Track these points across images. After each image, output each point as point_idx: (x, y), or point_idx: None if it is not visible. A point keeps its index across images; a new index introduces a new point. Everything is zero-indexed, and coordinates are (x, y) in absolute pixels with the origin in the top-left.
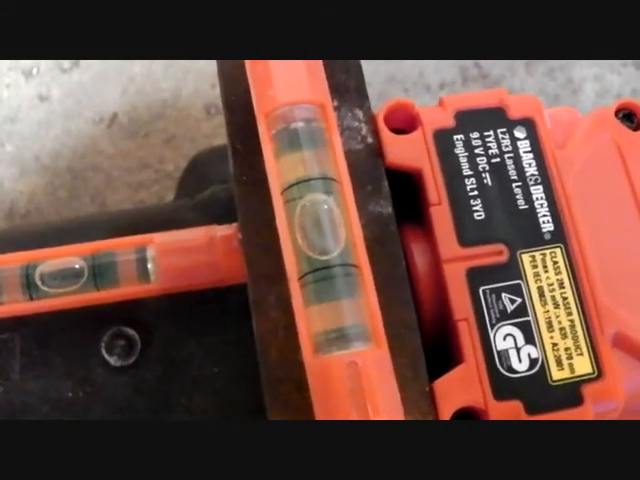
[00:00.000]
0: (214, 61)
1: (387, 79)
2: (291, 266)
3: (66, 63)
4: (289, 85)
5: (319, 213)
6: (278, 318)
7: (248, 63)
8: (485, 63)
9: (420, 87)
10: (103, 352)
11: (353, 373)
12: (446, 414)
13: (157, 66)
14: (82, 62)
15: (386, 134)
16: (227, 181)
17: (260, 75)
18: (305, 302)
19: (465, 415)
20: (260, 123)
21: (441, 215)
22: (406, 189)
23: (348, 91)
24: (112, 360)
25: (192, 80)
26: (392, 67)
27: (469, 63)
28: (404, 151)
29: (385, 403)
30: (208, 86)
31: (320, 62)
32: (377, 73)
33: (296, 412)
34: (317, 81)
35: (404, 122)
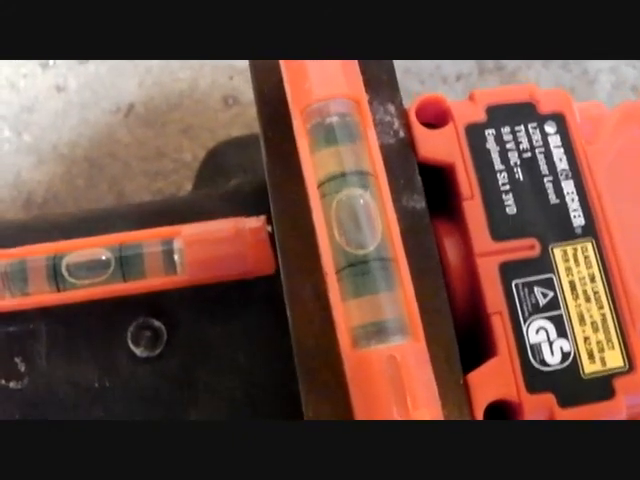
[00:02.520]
0: None
1: (404, 71)
2: (328, 260)
3: None
4: (325, 80)
5: (355, 208)
6: (314, 309)
7: None
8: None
9: (436, 79)
10: (129, 343)
11: (392, 367)
12: (480, 406)
13: None
14: None
15: (418, 128)
16: (247, 171)
17: (295, 70)
18: (343, 296)
19: (498, 408)
20: (295, 117)
21: (474, 209)
22: (435, 183)
23: (380, 86)
24: (138, 351)
25: (209, 71)
26: (409, 60)
27: None
28: (436, 145)
29: (424, 396)
30: (225, 77)
31: None
32: (394, 65)
33: (332, 400)
34: (352, 76)
35: (435, 117)
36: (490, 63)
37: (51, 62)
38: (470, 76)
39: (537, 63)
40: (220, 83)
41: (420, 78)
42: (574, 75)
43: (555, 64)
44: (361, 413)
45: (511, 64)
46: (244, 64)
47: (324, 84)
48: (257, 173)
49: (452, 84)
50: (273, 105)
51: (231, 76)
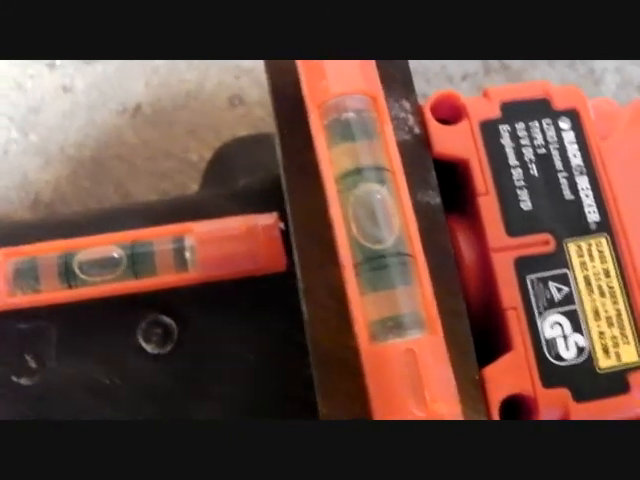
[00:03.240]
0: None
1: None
2: (346, 255)
3: None
4: (342, 76)
5: (373, 203)
6: (330, 306)
7: None
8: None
9: (442, 78)
10: (140, 340)
11: (410, 360)
12: (495, 401)
13: None
14: None
15: (433, 125)
16: (253, 171)
17: (312, 66)
18: (360, 291)
19: (513, 402)
20: (312, 113)
21: (489, 205)
22: (449, 179)
23: (395, 82)
24: (149, 348)
25: (216, 72)
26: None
27: None
28: (451, 142)
29: (442, 390)
30: (232, 78)
31: None
32: None
33: (347, 398)
34: (369, 72)
35: (450, 113)
36: (496, 63)
37: (58, 63)
38: (476, 76)
39: (543, 62)
40: (226, 83)
41: (426, 77)
42: (580, 74)
43: (561, 63)
44: (378, 407)
45: (517, 64)
46: (250, 64)
47: (341, 80)
48: (265, 172)
49: (458, 84)
50: (289, 104)
51: (237, 76)
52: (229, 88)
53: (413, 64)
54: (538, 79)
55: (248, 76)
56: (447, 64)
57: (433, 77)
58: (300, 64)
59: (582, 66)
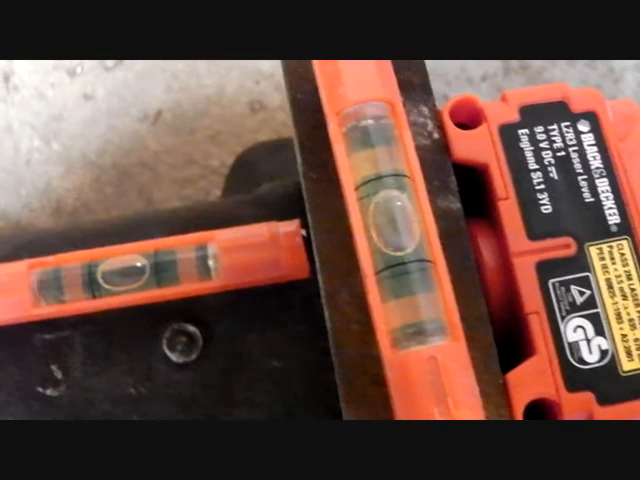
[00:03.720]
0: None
1: (429, 72)
2: (366, 263)
3: (109, 62)
4: (359, 83)
5: (393, 210)
6: (352, 313)
7: (316, 62)
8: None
9: (462, 80)
10: (165, 349)
11: (433, 368)
12: (519, 406)
13: (201, 63)
14: (126, 61)
15: (452, 129)
16: (275, 177)
17: (330, 73)
18: (382, 298)
19: (537, 407)
20: (331, 121)
21: (509, 209)
22: (468, 184)
23: (413, 87)
24: (174, 357)
25: (236, 76)
26: (434, 61)
27: None
28: (470, 146)
29: (465, 396)
30: (252, 82)
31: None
32: None
33: (372, 406)
34: (386, 78)
35: (468, 117)
36: (515, 63)
37: (78, 70)
38: (496, 76)
39: (562, 62)
40: (247, 88)
41: (446, 80)
42: (600, 73)
43: (581, 62)
44: (402, 414)
45: (536, 63)
46: (270, 69)
47: (359, 87)
48: (287, 177)
49: (478, 85)
50: (308, 112)
51: (257, 81)
52: (249, 93)
53: (432, 66)
54: (558, 79)
55: (268, 81)
56: (466, 66)
57: (453, 79)
58: (318, 72)
59: (602, 65)
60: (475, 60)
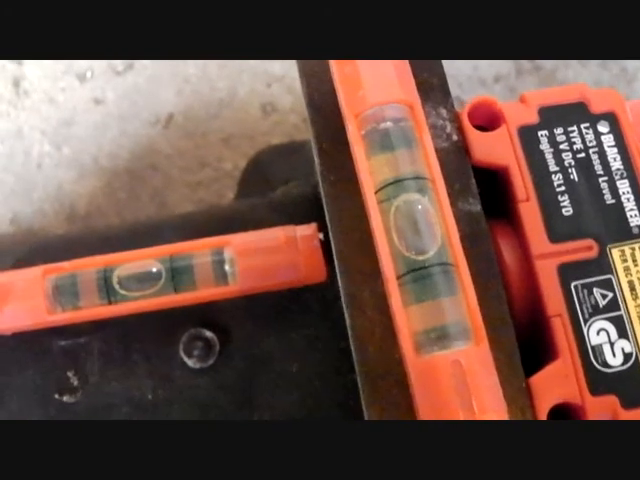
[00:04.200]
0: (269, 61)
1: None
2: (388, 266)
3: (120, 66)
4: (378, 85)
5: (414, 213)
6: (374, 316)
7: (334, 64)
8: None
9: (474, 81)
10: (182, 354)
11: (457, 372)
12: (543, 410)
13: (212, 66)
14: (136, 64)
15: (471, 132)
16: (289, 179)
17: (348, 76)
18: (404, 302)
19: (561, 411)
20: (350, 123)
21: (530, 212)
22: (487, 186)
23: (431, 89)
24: (191, 362)
25: (247, 79)
26: (446, 62)
27: None
28: (490, 148)
29: (490, 400)
30: (264, 85)
31: (406, 61)
32: None
33: (396, 408)
34: (405, 80)
35: (487, 119)
36: (528, 64)
37: (88, 74)
38: (508, 77)
39: (575, 63)
40: (258, 91)
41: (458, 81)
42: (613, 74)
43: (593, 63)
44: (427, 418)
45: (549, 64)
46: (281, 71)
47: (378, 90)
48: (301, 180)
49: (490, 86)
50: (325, 114)
51: (269, 84)
52: (261, 96)
53: (445, 68)
54: (571, 80)
55: (279, 83)
56: (479, 67)
57: (465, 80)
58: (335, 73)
59: (615, 65)
60: (487, 61)
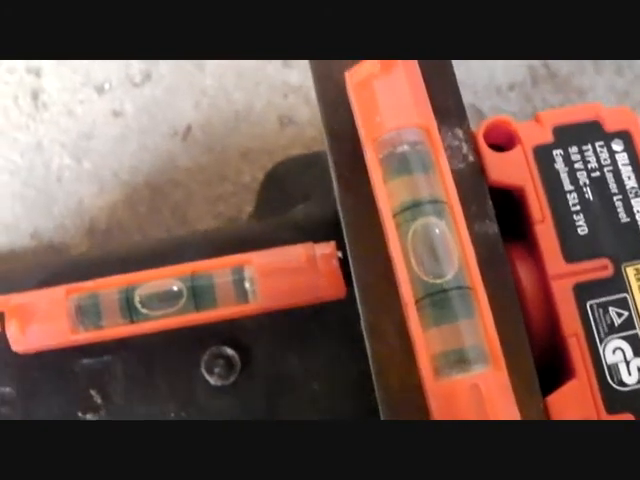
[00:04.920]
0: (285, 72)
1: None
2: (406, 291)
3: (137, 77)
4: (395, 109)
5: (432, 237)
6: (394, 342)
7: (351, 88)
8: (553, 63)
9: (490, 89)
10: (203, 372)
11: (476, 396)
12: None
13: (229, 78)
14: (153, 76)
15: (487, 152)
16: (308, 191)
17: (366, 101)
18: (423, 326)
19: None
20: (367, 148)
21: (546, 232)
22: (502, 206)
23: (447, 111)
24: (212, 380)
25: (264, 91)
26: (461, 71)
27: (537, 64)
28: (506, 169)
29: None
30: (280, 97)
31: (422, 82)
32: None
33: None
34: (421, 103)
35: (503, 139)
36: (543, 71)
37: (107, 86)
38: (523, 85)
39: (590, 70)
40: (275, 103)
41: (473, 89)
42: (628, 80)
43: (608, 70)
44: None
45: (564, 71)
46: (298, 81)
47: (394, 114)
48: (321, 197)
49: (506, 94)
50: (344, 139)
51: (285, 94)
52: (278, 107)
53: (460, 76)
54: (586, 86)
55: (296, 93)
56: (494, 74)
57: (481, 89)
58: (353, 98)
59: (630, 71)
60: (502, 69)
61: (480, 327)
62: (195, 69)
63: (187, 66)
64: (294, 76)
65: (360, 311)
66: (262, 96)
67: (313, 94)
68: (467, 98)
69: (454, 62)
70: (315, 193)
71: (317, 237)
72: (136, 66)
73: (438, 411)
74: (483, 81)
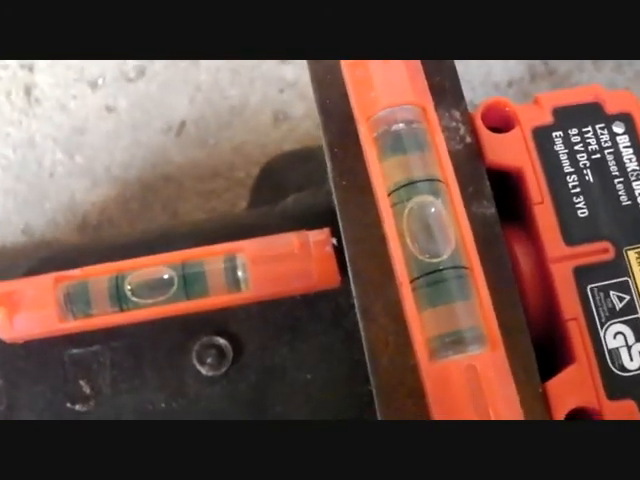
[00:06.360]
0: (281, 67)
1: None
2: (401, 270)
3: (132, 73)
4: (390, 87)
5: (427, 216)
6: (387, 324)
7: (345, 66)
8: (552, 60)
9: (488, 86)
10: (194, 362)
11: (472, 377)
12: (559, 415)
13: (224, 74)
14: (148, 71)
15: (485, 133)
16: (303, 186)
17: (360, 78)
18: (418, 307)
19: (578, 416)
20: (361, 126)
21: (545, 214)
22: (501, 188)
23: (444, 91)
24: (204, 370)
25: (259, 87)
26: (460, 67)
27: (536, 61)
28: (504, 150)
29: (506, 406)
30: (275, 92)
31: (418, 62)
32: None
33: (410, 418)
34: (417, 82)
35: (501, 121)
36: (541, 68)
37: (100, 82)
38: (522, 82)
39: (589, 67)
40: (270, 98)
41: (471, 85)
42: (627, 77)
43: (607, 67)
44: None
45: (562, 69)
46: (294, 77)
47: (390, 91)
48: (313, 186)
49: (504, 90)
50: (337, 118)
51: (281, 90)
52: (273, 103)
53: (459, 72)
54: (585, 83)
55: (292, 89)
56: (493, 71)
57: (479, 85)
58: (347, 75)
59: (629, 69)
60: (501, 66)
61: (477, 308)
62: (190, 65)
63: (182, 62)
64: (290, 72)
65: (354, 293)
66: (257, 91)
67: (309, 90)
68: (465, 94)
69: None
70: (309, 187)
71: (311, 226)
72: (130, 62)
73: (434, 393)
74: (481, 77)
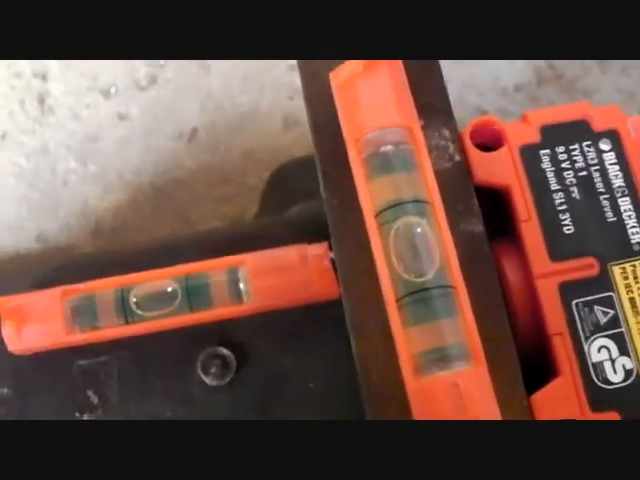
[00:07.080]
0: (291, 73)
1: (462, 84)
2: (388, 289)
3: (143, 81)
4: (377, 110)
5: (413, 236)
6: (377, 341)
7: (335, 87)
8: (559, 64)
9: (496, 91)
10: (199, 372)
11: (455, 393)
12: None
13: (234, 80)
14: (159, 79)
15: (473, 152)
16: (313, 193)
17: (348, 100)
18: (404, 324)
19: None
20: (350, 148)
21: (531, 231)
22: (489, 205)
23: (434, 110)
24: (208, 380)
25: (270, 93)
26: (466, 72)
27: (543, 65)
28: (492, 168)
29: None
30: (286, 98)
31: (406, 82)
32: (452, 79)
33: None
34: (404, 103)
35: (489, 139)
36: (548, 72)
37: (113, 90)
38: (529, 86)
39: (596, 70)
40: (281, 104)
41: (479, 91)
42: (634, 80)
43: (614, 70)
44: None
45: (569, 73)
46: None
47: (376, 114)
48: (318, 198)
49: (511, 95)
50: (330, 137)
51: (291, 96)
52: (283, 109)
53: (465, 77)
54: (591, 87)
55: (302, 95)
56: (500, 76)
57: (486, 91)
58: (337, 97)
59: (636, 71)
60: (508, 70)
61: (461, 325)
62: (201, 72)
63: (193, 69)
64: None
65: (345, 310)
66: (268, 97)
67: None
68: (472, 99)
69: (461, 63)
70: (319, 194)
71: (314, 236)
72: (142, 70)
73: (418, 409)
74: (488, 82)
